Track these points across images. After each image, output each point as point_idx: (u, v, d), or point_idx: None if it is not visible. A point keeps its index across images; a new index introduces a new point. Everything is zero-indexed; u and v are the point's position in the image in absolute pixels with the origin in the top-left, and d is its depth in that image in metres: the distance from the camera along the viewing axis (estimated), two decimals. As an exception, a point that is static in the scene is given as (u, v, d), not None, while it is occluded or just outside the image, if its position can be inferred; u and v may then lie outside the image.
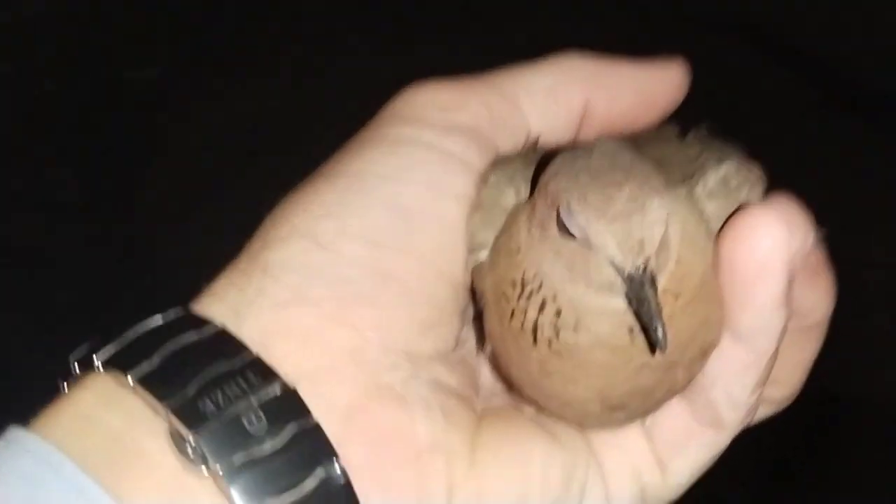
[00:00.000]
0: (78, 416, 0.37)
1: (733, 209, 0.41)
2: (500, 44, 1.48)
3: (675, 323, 0.38)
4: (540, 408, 0.42)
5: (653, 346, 0.38)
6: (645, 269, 0.37)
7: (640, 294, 0.37)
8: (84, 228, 1.46)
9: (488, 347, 0.42)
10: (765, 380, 0.41)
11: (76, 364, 0.38)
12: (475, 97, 0.43)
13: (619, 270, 0.37)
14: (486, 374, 0.43)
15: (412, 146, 0.41)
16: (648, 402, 0.41)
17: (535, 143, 0.44)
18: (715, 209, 0.41)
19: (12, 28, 1.57)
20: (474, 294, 0.42)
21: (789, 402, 0.44)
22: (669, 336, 0.38)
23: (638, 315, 0.38)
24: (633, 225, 0.37)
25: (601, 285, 0.38)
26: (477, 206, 0.42)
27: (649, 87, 0.45)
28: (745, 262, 0.39)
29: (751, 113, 1.37)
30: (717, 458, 0.43)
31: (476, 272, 0.41)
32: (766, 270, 0.39)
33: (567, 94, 0.44)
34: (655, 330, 0.37)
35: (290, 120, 1.52)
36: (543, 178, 0.39)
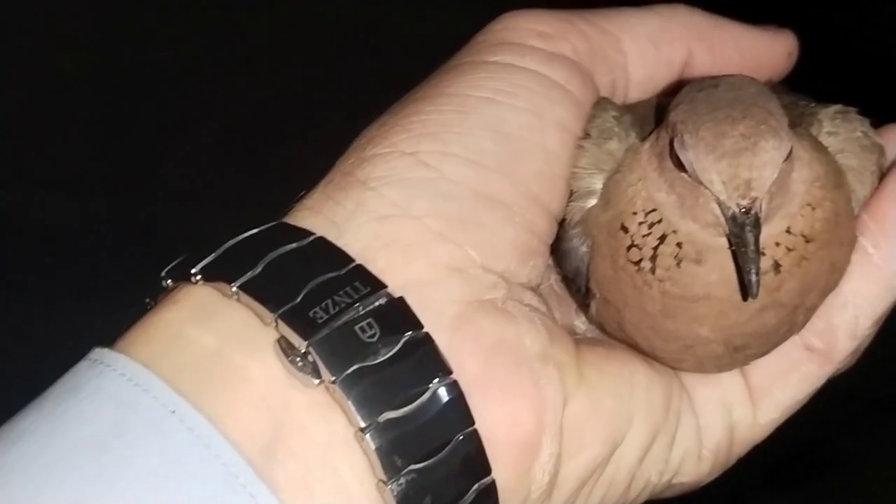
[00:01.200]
0: (167, 333, 0.36)
1: (854, 143, 0.42)
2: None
3: (804, 267, 0.39)
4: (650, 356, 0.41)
5: (745, 290, 0.37)
6: (748, 210, 0.37)
7: (741, 236, 0.37)
8: (103, 208, 1.45)
9: (593, 305, 0.42)
10: (886, 314, 0.42)
11: (167, 280, 0.37)
12: (575, 29, 0.43)
13: (723, 209, 0.37)
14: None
15: (515, 71, 0.41)
16: (769, 342, 0.41)
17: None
18: (837, 144, 0.42)
19: (31, 5, 1.58)
20: (554, 253, 0.42)
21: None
22: (795, 280, 0.38)
23: (735, 257, 0.38)
24: (742, 164, 0.37)
25: (707, 223, 0.38)
26: (580, 154, 0.41)
27: (755, 50, 0.45)
28: None
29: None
30: (812, 394, 0.43)
31: (584, 220, 0.41)
32: None
33: (670, 44, 0.44)
34: (749, 274, 0.37)
35: (314, 101, 1.52)
36: (670, 107, 0.39)
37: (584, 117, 0.42)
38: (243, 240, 0.37)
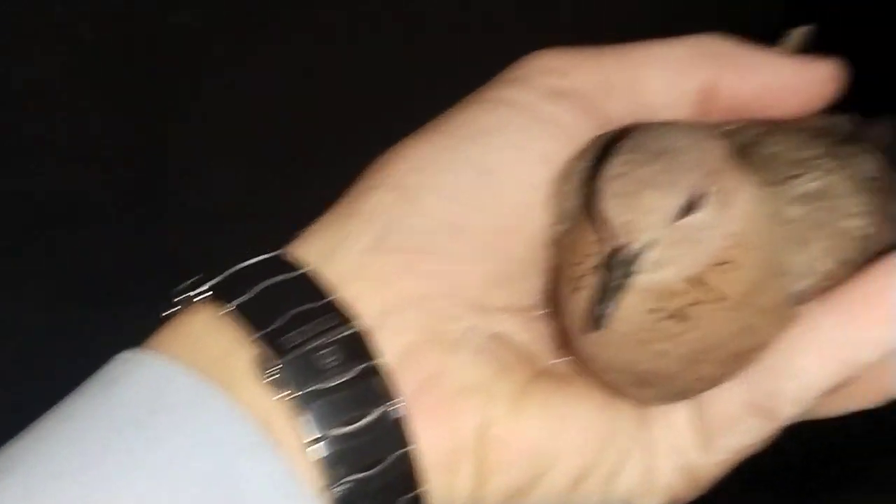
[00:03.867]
0: (190, 336, 0.45)
1: (831, 218, 0.44)
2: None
3: (706, 324, 0.42)
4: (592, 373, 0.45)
5: (592, 321, 0.41)
6: (619, 250, 0.41)
7: (604, 273, 0.41)
8: (116, 177, 1.52)
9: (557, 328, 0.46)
10: (836, 388, 0.45)
11: (186, 293, 0.46)
12: (589, 64, 0.48)
13: (604, 245, 0.42)
14: None
15: (508, 107, 0.47)
16: (675, 386, 0.44)
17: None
18: (802, 214, 0.44)
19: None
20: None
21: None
22: (698, 332, 0.41)
23: (597, 287, 0.42)
24: (623, 205, 0.41)
25: None
26: (565, 180, 0.46)
27: (786, 79, 0.48)
28: None
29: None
30: (765, 442, 0.46)
31: (556, 242, 0.46)
32: None
33: (693, 72, 0.48)
34: (602, 307, 0.41)
35: (338, 73, 1.55)
36: None
37: (576, 148, 0.46)
38: (244, 267, 0.46)
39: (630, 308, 0.42)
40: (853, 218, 0.45)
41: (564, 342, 0.46)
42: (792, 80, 0.48)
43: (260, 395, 0.43)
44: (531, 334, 0.47)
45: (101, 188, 1.50)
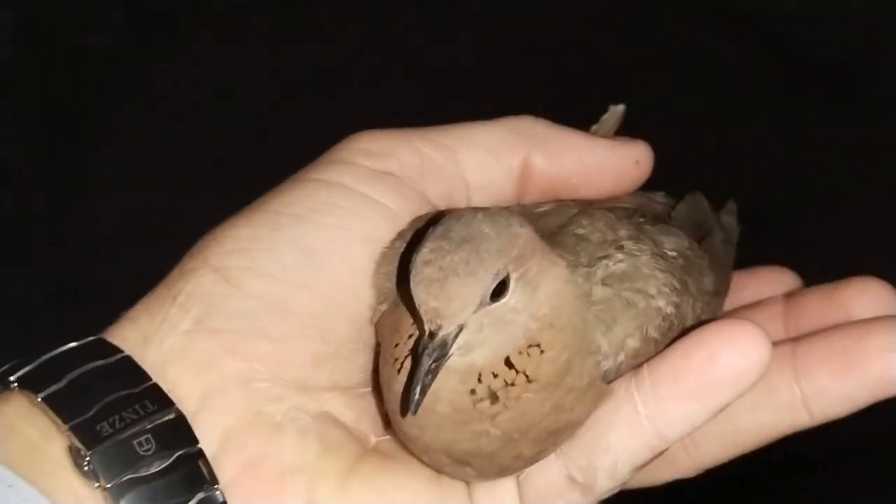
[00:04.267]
0: (3, 426, 0.45)
1: (637, 298, 0.46)
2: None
3: (523, 403, 0.43)
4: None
5: (405, 405, 0.43)
6: (432, 335, 0.42)
7: (419, 357, 0.42)
8: (33, 201, 1.51)
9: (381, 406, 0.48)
10: (649, 462, 0.46)
11: (3, 379, 0.45)
12: (407, 146, 0.49)
13: (419, 330, 0.43)
14: None
15: (330, 189, 0.48)
16: (494, 465, 0.45)
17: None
18: (609, 295, 0.46)
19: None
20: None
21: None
22: (512, 413, 0.43)
23: (409, 373, 0.43)
24: (431, 293, 0.42)
25: None
26: (383, 261, 0.47)
27: (597, 159, 0.50)
28: (710, 369, 0.44)
29: (714, 86, 1.44)
30: None
31: (379, 322, 0.47)
32: (729, 386, 0.44)
33: (508, 152, 0.50)
34: (413, 392, 0.42)
35: (251, 94, 1.55)
36: None
37: (398, 228, 0.48)
38: (59, 353, 0.45)
39: (447, 391, 0.43)
40: (658, 297, 0.47)
41: (389, 420, 0.47)
42: (603, 162, 0.51)
43: (74, 486, 0.43)
44: (358, 412, 0.48)
45: (13, 208, 1.50)
